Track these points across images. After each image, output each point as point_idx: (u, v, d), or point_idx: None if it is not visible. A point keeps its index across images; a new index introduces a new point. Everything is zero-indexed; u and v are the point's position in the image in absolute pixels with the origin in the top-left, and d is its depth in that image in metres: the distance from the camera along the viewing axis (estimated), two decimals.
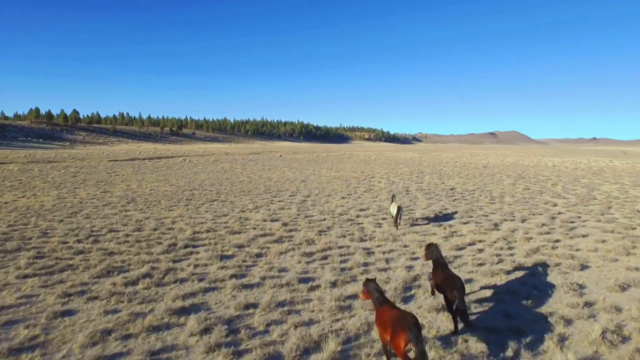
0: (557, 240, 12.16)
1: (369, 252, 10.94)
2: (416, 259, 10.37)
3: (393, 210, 13.83)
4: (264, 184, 27.07)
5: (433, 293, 7.93)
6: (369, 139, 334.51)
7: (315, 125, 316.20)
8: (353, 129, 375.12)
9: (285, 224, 14.27)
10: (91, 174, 33.25)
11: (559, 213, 16.74)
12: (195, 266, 9.62)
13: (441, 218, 15.73)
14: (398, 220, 13.68)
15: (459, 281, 6.72)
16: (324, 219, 15.37)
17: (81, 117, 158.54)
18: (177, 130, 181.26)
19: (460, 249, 11.37)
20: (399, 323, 5.10)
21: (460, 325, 6.72)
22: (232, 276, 8.98)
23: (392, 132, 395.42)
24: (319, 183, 28.11)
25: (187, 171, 36.42)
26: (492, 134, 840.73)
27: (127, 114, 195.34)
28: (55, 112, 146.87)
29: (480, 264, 9.93)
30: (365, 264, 9.95)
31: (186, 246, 11.32)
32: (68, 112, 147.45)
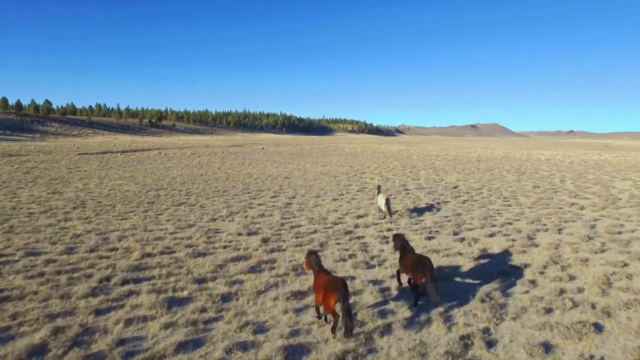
0: (624, 265, 9.19)
1: (382, 289, 7.75)
2: (453, 303, 7.25)
3: (381, 202, 13.65)
4: (243, 182, 23.68)
5: (400, 283, 7.75)
6: (352, 131, 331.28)
7: (298, 117, 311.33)
8: (336, 121, 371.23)
9: (265, 240, 10.99)
10: (49, 169, 29.17)
11: (595, 220, 13.88)
12: (127, 323, 6.27)
13: (458, 226, 12.70)
14: (390, 212, 13.63)
15: (428, 262, 6.95)
16: (315, 231, 12.15)
17: (54, 107, 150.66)
18: (157, 122, 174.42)
19: (505, 279, 8.27)
20: (330, 285, 5.93)
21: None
22: (180, 347, 5.67)
23: (375, 124, 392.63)
24: (304, 180, 24.88)
25: (159, 166, 32.65)
26: (473, 126, 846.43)
27: (104, 105, 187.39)
28: (25, 102, 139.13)
29: (548, 311, 6.82)
30: (383, 314, 6.76)
31: (124, 282, 7.93)
32: (40, 102, 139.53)
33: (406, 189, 20.95)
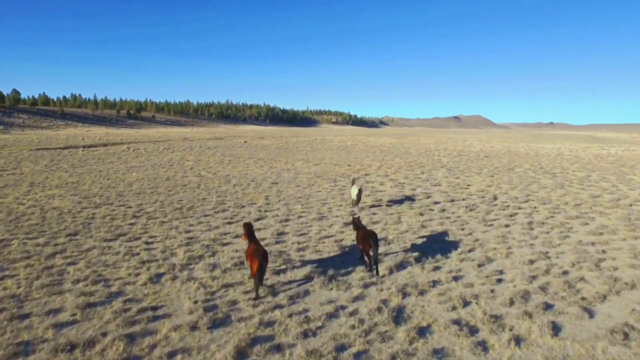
0: None
1: None
2: None
3: (354, 192, 14.33)
4: (218, 191, 18.10)
5: (362, 256, 8.79)
6: (336, 123, 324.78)
7: (281, 108, 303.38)
8: (320, 113, 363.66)
9: (244, 351, 5.53)
10: None
11: None
12: None
13: (576, 292, 7.43)
14: (357, 203, 14.45)
15: (374, 237, 8.14)
16: (337, 314, 6.68)
17: (24, 98, 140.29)
18: (135, 114, 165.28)
19: None
20: (254, 253, 7.20)
21: None
22: None
23: (359, 116, 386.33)
24: (297, 187, 19.49)
25: (120, 166, 26.58)
26: (456, 117, 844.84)
27: (79, 95, 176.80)
28: None
29: None
30: None
31: None
32: (6, 92, 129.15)
33: (436, 202, 15.62)
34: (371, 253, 8.07)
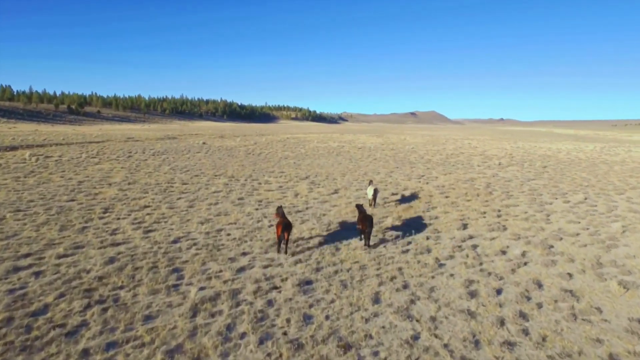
0: None
1: None
2: None
3: (370, 192, 14.40)
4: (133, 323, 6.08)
5: (360, 233, 10.38)
6: (295, 119, 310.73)
7: (239, 104, 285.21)
8: (279, 108, 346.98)
9: None
10: None
11: None
12: None
13: None
14: (374, 203, 14.49)
15: (370, 219, 9.76)
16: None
17: None
18: (78, 109, 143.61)
19: None
20: (281, 221, 9.10)
21: None
22: None
23: (318, 112, 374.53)
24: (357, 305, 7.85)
25: None
26: (412, 113, 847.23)
27: (9, 86, 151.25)
28: None
29: None
30: None
31: None
32: None
33: None
34: (366, 231, 9.77)
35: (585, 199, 16.20)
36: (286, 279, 7.96)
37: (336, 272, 8.36)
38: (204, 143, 44.85)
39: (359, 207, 10.64)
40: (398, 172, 23.65)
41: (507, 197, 16.48)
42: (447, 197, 16.49)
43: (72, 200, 14.58)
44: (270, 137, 60.88)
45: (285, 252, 9.30)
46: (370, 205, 14.42)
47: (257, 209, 13.82)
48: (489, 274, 8.37)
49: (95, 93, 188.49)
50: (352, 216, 12.91)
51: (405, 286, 7.77)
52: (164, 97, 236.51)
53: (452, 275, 8.33)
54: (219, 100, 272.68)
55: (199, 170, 22.87)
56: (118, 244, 9.79)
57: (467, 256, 9.42)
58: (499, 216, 13.35)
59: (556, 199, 16.35)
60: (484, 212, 13.86)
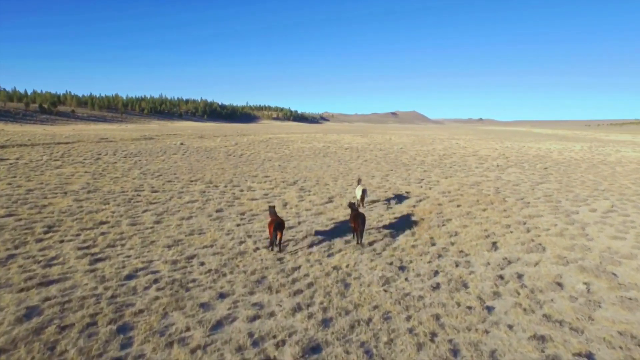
0: None
1: None
2: None
3: (358, 193, 13.87)
4: None
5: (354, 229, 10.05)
6: (277, 118, 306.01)
7: (220, 103, 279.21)
8: (260, 108, 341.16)
9: None
10: None
11: None
12: None
13: None
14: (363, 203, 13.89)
15: (362, 217, 9.64)
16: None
17: None
18: (50, 108, 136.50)
19: None
20: (273, 220, 8.94)
21: None
22: None
23: (299, 112, 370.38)
24: None
25: None
26: (393, 113, 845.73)
27: None
28: None
29: None
30: None
31: None
32: None
33: None
34: (359, 229, 9.64)
35: (612, 206, 14.27)
36: (283, 342, 5.48)
37: (352, 326, 5.92)
38: (181, 144, 41.75)
39: (351, 206, 10.44)
40: (394, 176, 21.44)
41: (525, 205, 14.40)
42: (458, 205, 14.29)
43: (11, 215, 11.72)
44: (251, 137, 58.02)
45: (280, 250, 9.17)
46: (358, 206, 13.65)
47: (238, 225, 11.28)
48: (560, 323, 6.10)
49: (70, 92, 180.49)
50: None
51: (455, 351, 5.40)
52: (143, 96, 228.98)
53: (510, 327, 6.01)
54: (199, 100, 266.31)
55: (173, 175, 20.12)
56: (50, 283, 7.14)
57: (517, 293, 7.15)
58: (527, 231, 11.20)
59: (579, 206, 14.38)
60: (508, 225, 11.69)
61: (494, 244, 9.97)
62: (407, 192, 16.74)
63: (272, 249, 9.13)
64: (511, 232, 11.05)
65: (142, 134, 66.46)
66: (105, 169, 21.89)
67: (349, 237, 10.29)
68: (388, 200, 15.15)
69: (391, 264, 8.47)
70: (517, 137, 75.55)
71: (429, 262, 8.65)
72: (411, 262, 8.65)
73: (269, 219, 9.66)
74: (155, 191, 15.92)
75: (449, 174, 22.08)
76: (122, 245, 9.37)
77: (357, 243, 9.76)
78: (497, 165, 26.19)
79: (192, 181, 18.46)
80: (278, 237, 9.03)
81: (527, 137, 76.83)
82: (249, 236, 10.22)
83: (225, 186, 17.33)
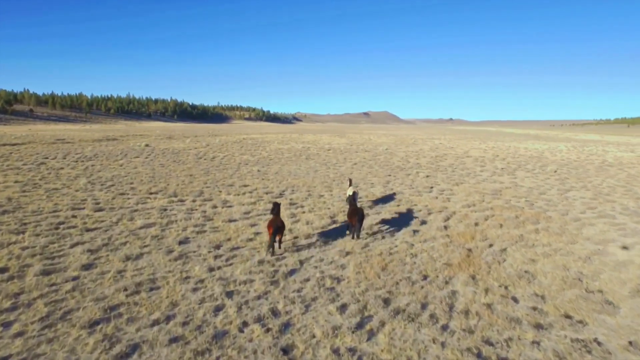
0: None
1: None
2: None
3: (349, 193, 12.52)
4: None
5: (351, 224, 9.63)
6: (249, 119, 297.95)
7: (190, 103, 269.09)
8: (232, 108, 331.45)
9: None
10: None
11: None
12: None
13: None
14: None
15: (360, 212, 9.29)
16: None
17: None
18: (5, 107, 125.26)
19: None
20: (272, 222, 8.11)
21: None
22: None
23: (272, 112, 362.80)
24: None
25: None
26: (365, 113, 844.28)
27: None
28: None
29: None
30: None
31: None
32: None
33: None
34: (356, 225, 9.28)
35: None
36: None
37: None
38: (147, 145, 36.93)
39: (350, 200, 10.17)
40: (396, 183, 18.04)
41: (581, 225, 11.24)
42: (500, 225, 10.96)
43: None
44: (224, 138, 53.49)
45: (280, 248, 8.60)
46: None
47: (212, 270, 7.43)
48: None
49: (28, 90, 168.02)
50: (387, 285, 6.93)
51: None
52: (109, 95, 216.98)
53: None
54: (169, 100, 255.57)
55: (129, 185, 15.89)
56: None
57: None
58: (619, 266, 7.95)
59: None
60: (588, 258, 8.42)
61: (601, 294, 6.61)
62: (420, 205, 13.34)
63: (272, 254, 8.21)
64: (604, 270, 7.76)
65: (106, 135, 60.42)
66: (44, 177, 17.36)
67: (391, 297, 6.67)
68: (403, 216, 11.67)
69: (468, 349, 4.92)
70: (494, 136, 74.32)
71: (534, 342, 5.15)
72: (509, 344, 5.12)
73: (270, 218, 8.96)
74: (100, 209, 11.79)
75: (458, 180, 18.90)
76: (9, 325, 5.38)
77: (353, 238, 9.46)
78: (502, 169, 23.33)
79: (151, 193, 14.35)
80: (278, 238, 8.45)
81: (504, 136, 75.78)
82: (229, 296, 6.38)
83: (194, 200, 13.36)
